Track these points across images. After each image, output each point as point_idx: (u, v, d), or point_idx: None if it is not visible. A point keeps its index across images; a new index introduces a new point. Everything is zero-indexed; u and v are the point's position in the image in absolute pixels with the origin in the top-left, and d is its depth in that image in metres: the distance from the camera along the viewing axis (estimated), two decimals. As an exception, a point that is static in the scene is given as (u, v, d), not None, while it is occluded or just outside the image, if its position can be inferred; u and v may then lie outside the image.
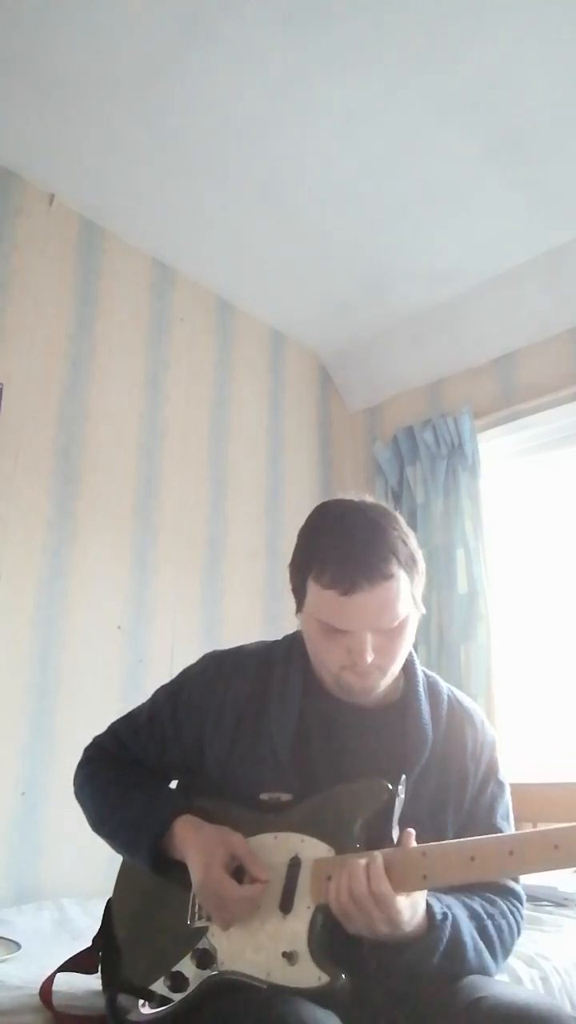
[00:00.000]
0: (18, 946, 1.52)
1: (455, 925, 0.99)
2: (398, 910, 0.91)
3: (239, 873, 1.01)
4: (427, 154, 2.40)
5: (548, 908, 1.88)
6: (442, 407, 3.21)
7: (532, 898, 1.93)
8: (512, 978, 1.38)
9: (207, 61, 2.11)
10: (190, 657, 1.30)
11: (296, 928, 0.97)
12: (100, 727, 1.29)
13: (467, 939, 1.00)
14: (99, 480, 2.53)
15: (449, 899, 1.02)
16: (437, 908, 0.97)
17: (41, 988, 1.14)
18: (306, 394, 3.46)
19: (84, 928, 1.36)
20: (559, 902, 1.91)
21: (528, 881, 1.96)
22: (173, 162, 2.46)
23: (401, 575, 1.06)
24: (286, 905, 0.99)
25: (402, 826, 1.01)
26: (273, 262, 2.93)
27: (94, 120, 2.31)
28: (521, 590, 2.93)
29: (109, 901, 1.20)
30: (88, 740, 1.29)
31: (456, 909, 1.01)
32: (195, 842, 1.04)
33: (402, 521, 1.13)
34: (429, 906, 0.97)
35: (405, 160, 2.43)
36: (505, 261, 2.87)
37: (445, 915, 0.98)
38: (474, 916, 1.04)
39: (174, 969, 1.01)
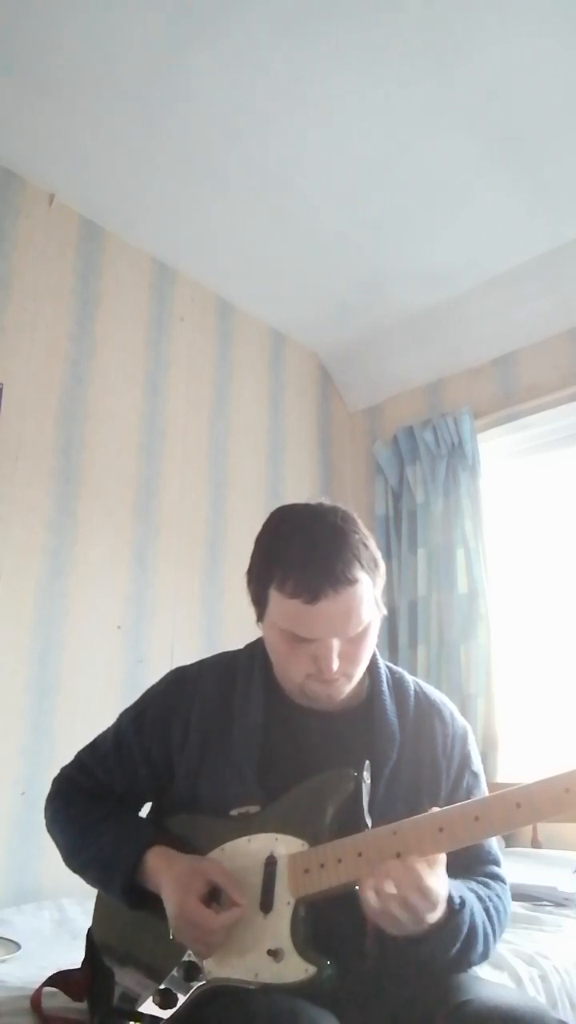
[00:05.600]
0: (18, 946, 1.52)
1: (472, 911, 0.99)
2: (438, 892, 0.92)
3: (215, 895, 1.00)
4: (427, 154, 2.40)
5: (548, 908, 1.87)
6: (442, 407, 3.21)
7: (532, 898, 1.93)
8: (512, 977, 1.38)
9: (207, 61, 2.11)
10: (190, 657, 1.30)
11: (278, 925, 0.97)
12: (100, 727, 1.28)
13: (479, 923, 1.01)
14: (99, 480, 2.53)
15: (458, 884, 1.02)
16: (454, 894, 0.97)
17: (32, 999, 1.15)
18: (306, 394, 3.46)
19: (84, 928, 1.36)
20: (559, 902, 1.91)
21: (528, 881, 1.97)
22: (173, 162, 2.46)
23: (364, 579, 1.05)
24: (266, 904, 0.99)
25: (376, 822, 1.01)
26: (273, 262, 2.93)
27: (94, 120, 2.31)
28: (521, 590, 2.93)
29: (89, 930, 1.19)
30: (88, 741, 1.28)
31: (466, 894, 1.01)
32: (168, 875, 1.02)
33: (361, 522, 1.11)
34: (448, 893, 0.96)
35: (405, 160, 2.43)
36: (505, 261, 2.87)
37: (463, 901, 0.98)
38: (479, 899, 1.04)
39: (162, 987, 1.00)
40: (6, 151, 2.43)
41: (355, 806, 1.02)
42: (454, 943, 0.97)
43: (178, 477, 2.79)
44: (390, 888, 0.90)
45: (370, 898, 0.91)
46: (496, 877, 1.12)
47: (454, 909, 0.96)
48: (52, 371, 2.49)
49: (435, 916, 0.93)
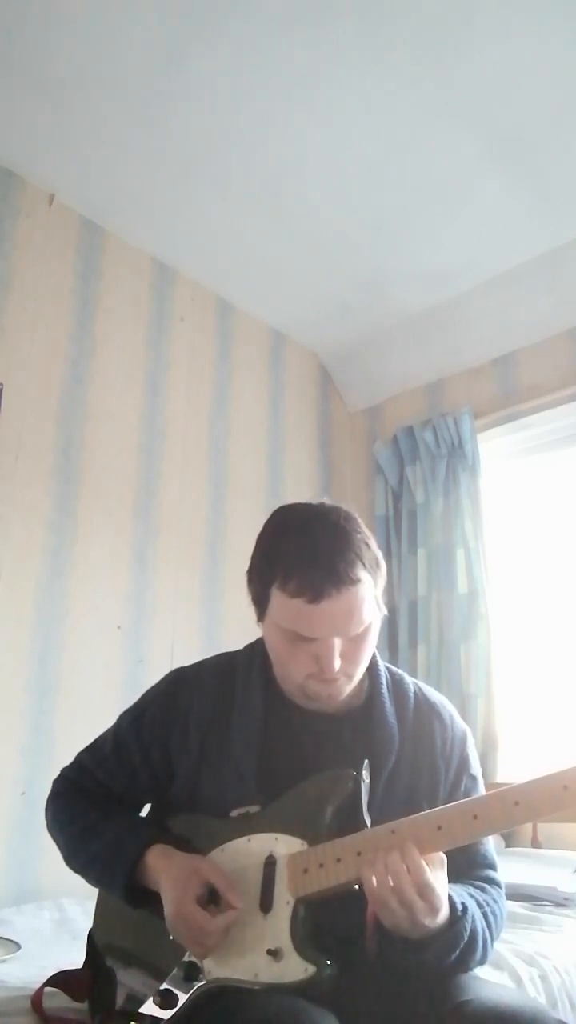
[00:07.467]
0: (18, 946, 1.52)
1: (473, 918, 0.99)
2: (438, 893, 0.92)
3: (214, 896, 1.00)
4: (427, 154, 2.40)
5: (548, 908, 1.87)
6: (442, 407, 3.21)
7: (532, 898, 1.93)
8: (512, 977, 1.38)
9: (207, 61, 2.11)
10: (190, 657, 1.30)
11: (278, 925, 0.97)
12: (100, 727, 1.28)
13: (479, 930, 1.01)
14: (99, 480, 2.53)
15: (459, 889, 1.01)
16: (456, 900, 0.97)
17: (32, 999, 1.15)
18: (306, 394, 3.46)
19: (84, 928, 1.37)
20: (559, 902, 1.91)
21: (528, 881, 1.97)
22: (173, 162, 2.46)
23: (366, 579, 1.05)
24: (266, 904, 0.99)
25: (374, 823, 1.01)
26: (273, 262, 2.93)
27: (94, 120, 2.31)
28: (521, 590, 2.93)
29: (91, 931, 1.19)
30: (88, 740, 1.28)
31: (468, 900, 1.01)
32: (166, 874, 1.02)
33: (362, 523, 1.11)
34: (450, 897, 0.96)
35: (405, 160, 2.43)
36: (505, 261, 2.87)
37: (464, 907, 0.98)
38: (478, 905, 1.04)
39: (162, 987, 0.99)
40: (6, 151, 2.43)
41: (354, 806, 1.02)
42: (455, 949, 0.97)
43: (178, 477, 2.79)
44: (390, 882, 0.91)
45: (372, 882, 0.92)
46: (492, 881, 1.12)
47: (456, 915, 0.96)
48: (52, 371, 2.49)
49: (436, 921, 0.93)
